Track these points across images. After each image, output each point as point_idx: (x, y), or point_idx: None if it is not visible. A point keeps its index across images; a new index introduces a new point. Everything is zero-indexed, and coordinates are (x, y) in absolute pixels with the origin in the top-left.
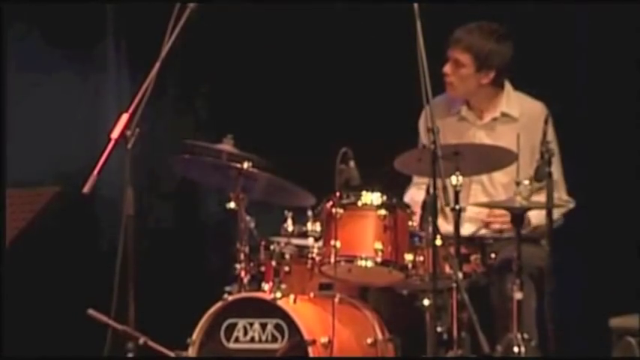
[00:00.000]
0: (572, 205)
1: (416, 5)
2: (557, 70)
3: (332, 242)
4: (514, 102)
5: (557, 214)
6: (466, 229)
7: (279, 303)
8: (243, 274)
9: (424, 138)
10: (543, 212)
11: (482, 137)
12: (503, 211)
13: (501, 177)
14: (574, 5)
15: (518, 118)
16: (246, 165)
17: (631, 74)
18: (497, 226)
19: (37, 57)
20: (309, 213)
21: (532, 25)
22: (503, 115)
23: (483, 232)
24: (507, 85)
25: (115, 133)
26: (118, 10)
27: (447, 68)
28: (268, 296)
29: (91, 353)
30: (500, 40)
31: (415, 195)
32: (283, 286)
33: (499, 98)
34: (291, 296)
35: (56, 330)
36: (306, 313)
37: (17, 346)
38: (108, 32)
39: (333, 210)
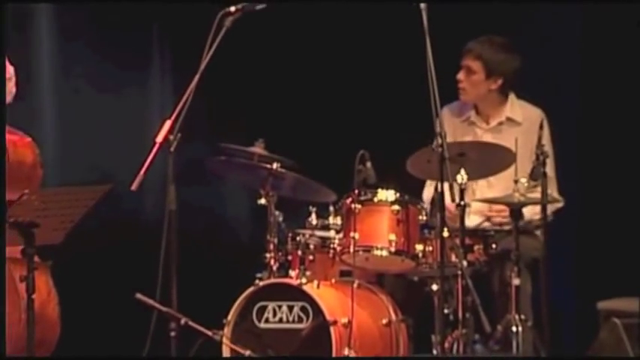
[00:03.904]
0: (560, 204)
1: (422, 5)
2: (551, 72)
3: (351, 234)
4: (517, 108)
5: (547, 210)
6: (472, 221)
7: (305, 288)
8: (272, 262)
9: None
10: (534, 208)
11: (488, 139)
12: (502, 207)
13: (505, 175)
14: (567, 5)
15: (521, 123)
16: (275, 165)
17: (625, 75)
18: (497, 219)
19: (90, 70)
20: (331, 208)
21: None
22: (508, 119)
23: (486, 224)
24: (512, 95)
25: (160, 138)
26: (163, 23)
27: (460, 75)
28: (295, 282)
29: (138, 332)
30: (508, 51)
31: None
32: (308, 272)
33: (504, 105)
34: (315, 282)
35: (108, 312)
36: (328, 296)
37: (72, 328)
38: (154, 46)
39: (352, 205)
